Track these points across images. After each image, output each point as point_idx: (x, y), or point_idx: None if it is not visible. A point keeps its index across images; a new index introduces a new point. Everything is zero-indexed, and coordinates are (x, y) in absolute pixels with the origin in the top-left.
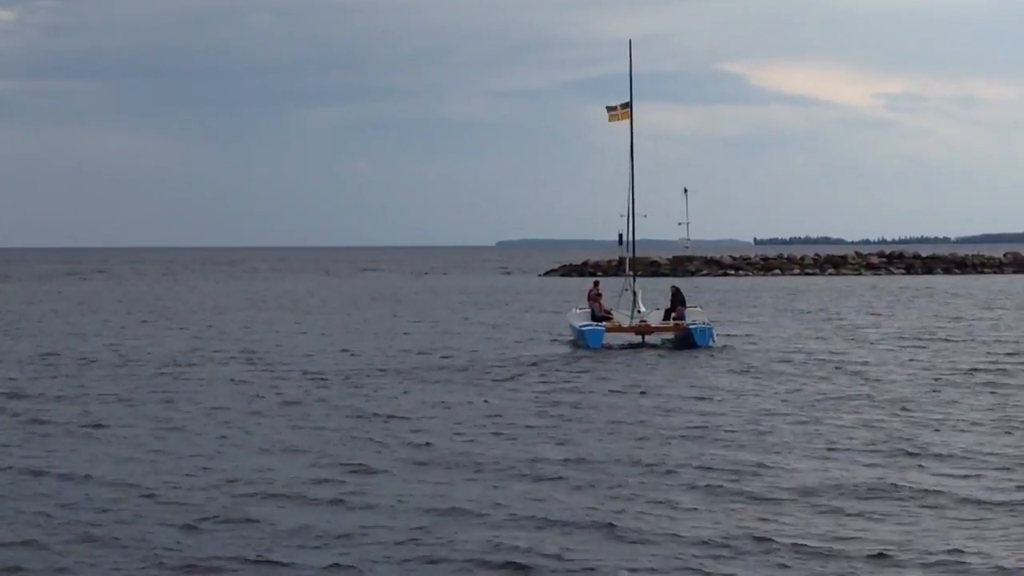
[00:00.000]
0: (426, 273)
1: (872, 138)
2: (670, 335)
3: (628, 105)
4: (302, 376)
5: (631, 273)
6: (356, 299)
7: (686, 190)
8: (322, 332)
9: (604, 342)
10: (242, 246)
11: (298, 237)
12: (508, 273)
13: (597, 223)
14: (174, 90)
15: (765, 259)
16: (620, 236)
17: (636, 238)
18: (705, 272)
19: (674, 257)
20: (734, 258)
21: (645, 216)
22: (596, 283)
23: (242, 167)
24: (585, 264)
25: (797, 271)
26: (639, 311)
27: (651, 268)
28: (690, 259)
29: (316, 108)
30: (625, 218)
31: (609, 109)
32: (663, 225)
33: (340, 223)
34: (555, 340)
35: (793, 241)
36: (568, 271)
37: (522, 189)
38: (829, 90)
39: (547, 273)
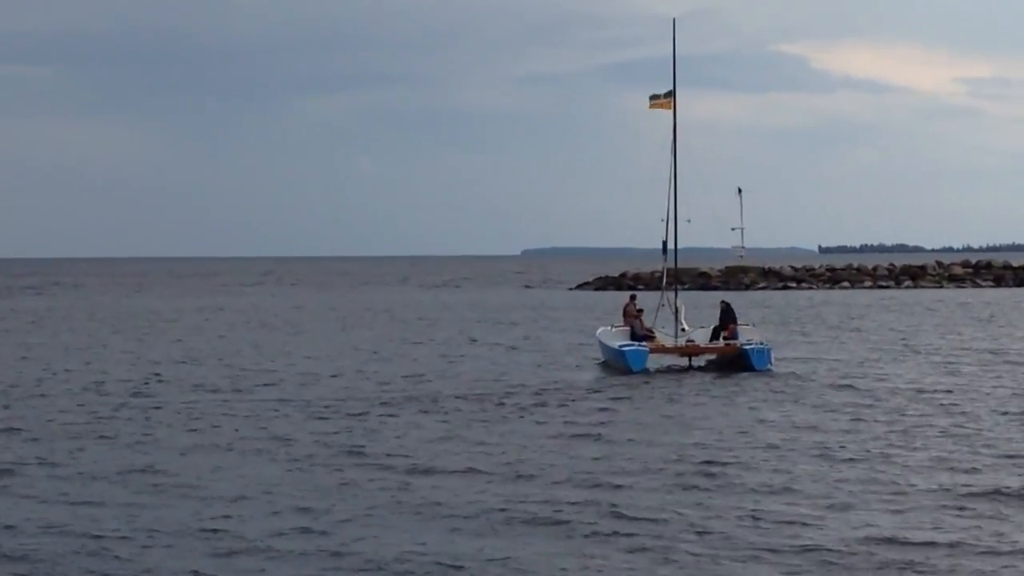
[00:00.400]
0: (435, 287)
1: (954, 129)
2: (720, 357)
3: (671, 93)
4: (281, 406)
5: (671, 286)
6: (352, 317)
7: (740, 190)
8: (308, 355)
9: (647, 365)
10: (224, 256)
11: (289, 246)
12: (530, 287)
13: (637, 229)
14: (142, 76)
15: (831, 270)
16: (664, 244)
17: (681, 246)
18: (762, 285)
19: (726, 268)
20: (795, 269)
21: (689, 221)
22: (633, 297)
23: (223, 165)
24: (623, 276)
25: (869, 283)
26: (683, 329)
27: (700, 280)
28: (745, 270)
29: (310, 97)
30: (666, 223)
31: (652, 98)
32: (713, 231)
33: (338, 230)
34: (582, 364)
35: (864, 249)
36: (603, 284)
37: (549, 190)
38: (904, 74)
39: (579, 286)
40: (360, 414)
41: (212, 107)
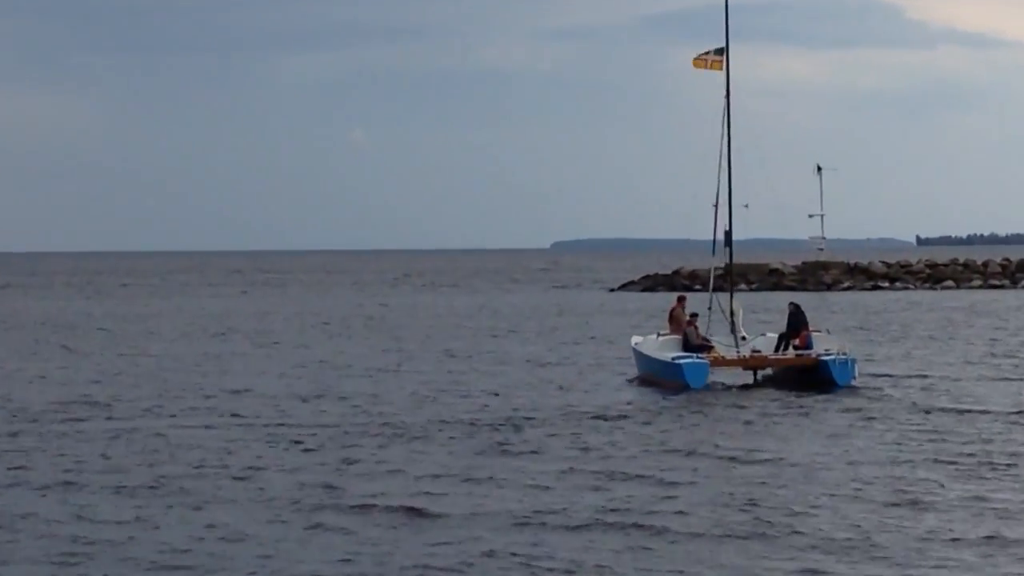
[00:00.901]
0: (443, 287)
1: None
2: (791, 370)
3: (723, 51)
4: (244, 433)
5: (725, 286)
6: (337, 324)
7: (820, 168)
8: (279, 371)
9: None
10: (195, 250)
11: (268, 239)
12: (562, 287)
13: (689, 216)
14: (97, 34)
15: (932, 265)
16: (727, 234)
17: (746, 237)
18: (847, 284)
19: (803, 264)
20: (888, 265)
21: (747, 206)
22: (682, 299)
23: (186, 140)
24: (677, 274)
25: (978, 282)
26: (743, 337)
27: (770, 279)
28: (825, 266)
29: (294, 55)
30: (716, 209)
31: (699, 56)
32: (786, 219)
33: (326, 218)
34: (623, 383)
35: (972, 240)
36: (653, 284)
37: (584, 170)
38: (1020, 26)
39: (623, 287)
40: (342, 446)
41: (170, 69)
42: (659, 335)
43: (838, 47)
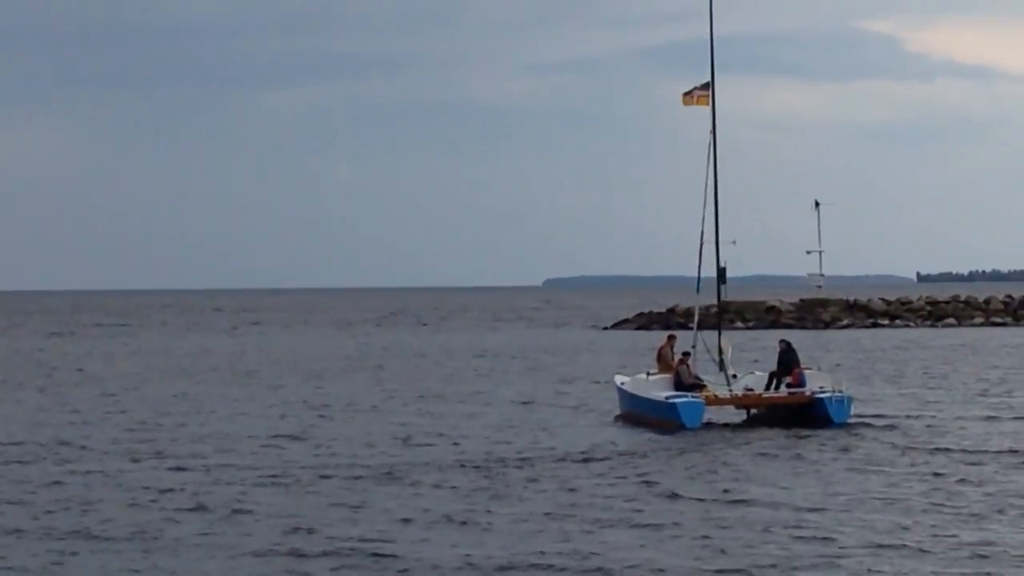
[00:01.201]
0: (429, 326)
1: None
2: (783, 408)
3: (708, 86)
4: (223, 476)
5: (712, 323)
6: (324, 364)
7: (818, 204)
8: (260, 414)
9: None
10: (174, 288)
11: (253, 276)
12: (552, 326)
13: (684, 253)
14: (59, 61)
15: (932, 303)
16: (722, 271)
17: (743, 274)
18: (846, 322)
19: (801, 301)
20: (888, 302)
21: (734, 243)
22: (672, 338)
23: (164, 174)
24: (672, 312)
25: (980, 319)
26: (734, 376)
27: (767, 317)
28: (824, 303)
29: (275, 89)
30: (702, 246)
31: (687, 93)
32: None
33: (310, 256)
34: (612, 423)
35: (974, 276)
36: (647, 322)
37: (578, 205)
38: (1021, 58)
39: (616, 325)
40: (319, 489)
41: (148, 103)
42: (648, 374)
43: (836, 80)
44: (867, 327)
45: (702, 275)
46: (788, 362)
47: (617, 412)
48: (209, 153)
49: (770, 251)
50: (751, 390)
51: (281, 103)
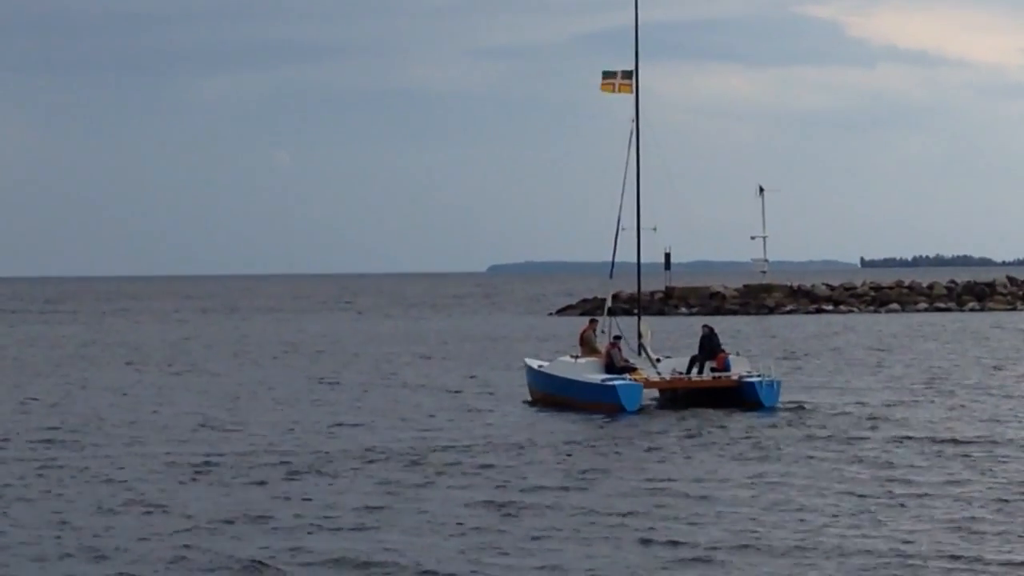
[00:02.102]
0: (366, 313)
1: None
2: (707, 392)
3: (632, 73)
4: (148, 465)
5: (628, 309)
6: (253, 351)
7: (762, 189)
8: (192, 402)
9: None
10: (116, 275)
11: (193, 263)
12: (495, 312)
13: (630, 239)
14: (12, 52)
15: (876, 288)
16: (667, 257)
17: (688, 259)
18: (790, 308)
19: (745, 287)
20: (831, 287)
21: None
22: (593, 322)
23: (112, 161)
24: (616, 297)
25: (924, 305)
26: (657, 360)
27: (712, 303)
28: (768, 289)
29: (213, 75)
30: (626, 232)
31: (606, 75)
32: (728, 240)
33: (250, 242)
34: (528, 405)
35: (917, 262)
36: (591, 308)
37: (521, 191)
38: (961, 44)
39: (561, 311)
40: (245, 479)
41: (87, 89)
42: (574, 357)
43: (778, 64)
44: (811, 313)
45: (648, 261)
46: (711, 347)
47: (527, 396)
48: (149, 140)
49: (714, 237)
50: (680, 373)
51: (221, 90)
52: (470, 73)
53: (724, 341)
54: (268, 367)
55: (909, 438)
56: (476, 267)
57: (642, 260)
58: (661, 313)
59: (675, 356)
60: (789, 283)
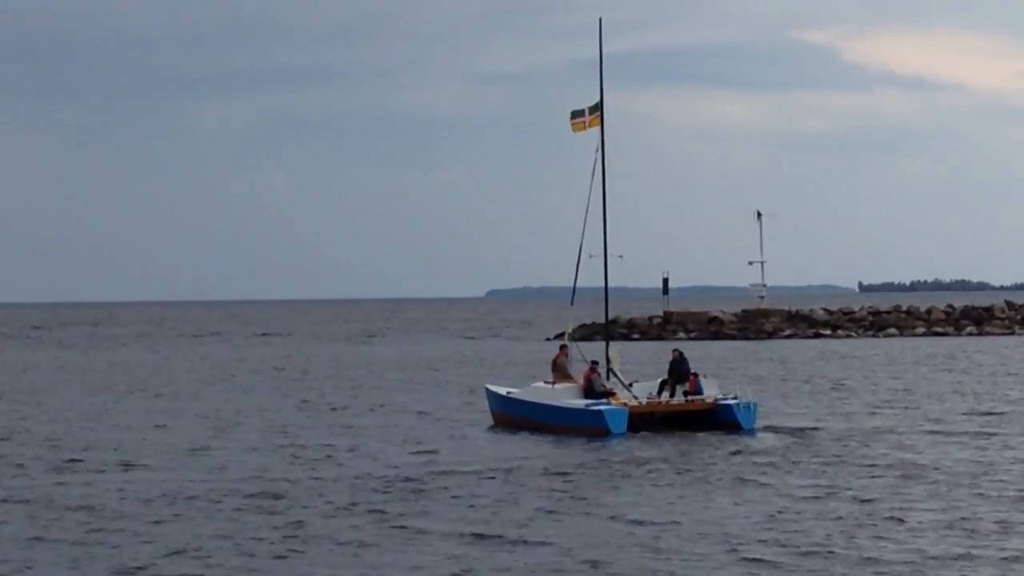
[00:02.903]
0: (356, 338)
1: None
2: (679, 415)
3: (597, 108)
4: (100, 490)
5: (664, 335)
6: (239, 375)
7: (759, 214)
8: (166, 428)
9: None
10: (111, 301)
11: (190, 288)
12: (486, 337)
13: (627, 265)
14: (6, 76)
15: (875, 313)
16: (665, 282)
17: (687, 284)
18: (788, 332)
19: (743, 312)
20: (830, 312)
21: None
22: (564, 348)
23: (109, 187)
24: (614, 323)
25: (921, 330)
26: (629, 384)
27: (710, 328)
28: (766, 314)
29: (212, 100)
30: (579, 261)
31: (574, 115)
32: (725, 265)
33: (247, 265)
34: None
35: (916, 286)
36: (589, 333)
37: (520, 216)
38: (958, 68)
39: (560, 336)
40: (208, 512)
41: (84, 114)
42: (549, 383)
43: (775, 90)
44: (809, 337)
45: (648, 286)
46: (682, 370)
47: (489, 421)
48: (146, 165)
49: (712, 262)
50: (654, 398)
51: (219, 114)
52: (468, 97)
53: (726, 366)
54: (258, 392)
55: (875, 465)
56: (475, 292)
57: (636, 285)
58: (659, 338)
59: (642, 381)
60: (787, 308)
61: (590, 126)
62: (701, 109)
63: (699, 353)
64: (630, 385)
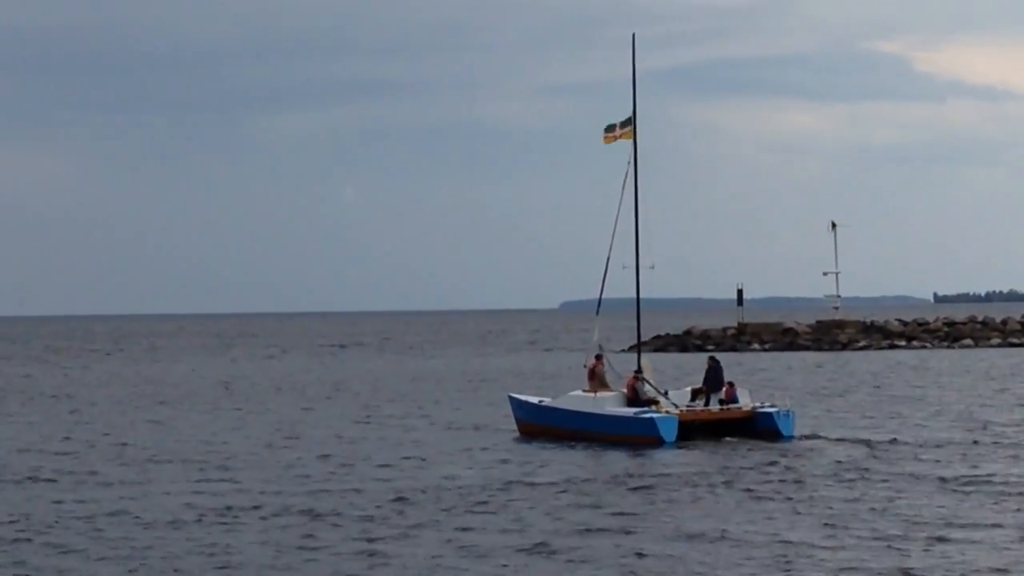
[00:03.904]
0: (413, 351)
1: None
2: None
3: (629, 122)
4: (129, 503)
5: (738, 347)
6: (281, 389)
7: (834, 225)
8: (216, 439)
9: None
10: (181, 313)
11: (254, 300)
12: (554, 350)
13: (708, 275)
14: (81, 91)
15: (949, 324)
16: (740, 293)
17: (761, 295)
18: (863, 343)
19: (818, 323)
20: (904, 323)
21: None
22: (600, 357)
23: (179, 199)
24: (688, 334)
25: (997, 340)
26: (664, 392)
27: (784, 338)
28: (841, 324)
29: (282, 112)
30: (607, 271)
31: (607, 129)
32: (799, 276)
33: (315, 278)
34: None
35: (991, 297)
36: (664, 344)
37: (594, 226)
38: None
39: (632, 348)
40: (225, 525)
41: (157, 128)
42: (593, 393)
43: (847, 100)
44: (884, 348)
45: (722, 297)
46: (716, 378)
47: (515, 429)
48: (217, 178)
49: (785, 273)
50: (692, 407)
51: (288, 128)
52: (540, 108)
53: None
54: (313, 405)
55: (919, 477)
56: (548, 304)
57: (712, 296)
58: (733, 349)
59: (672, 390)
60: (862, 319)
61: (620, 138)
62: (773, 120)
63: (772, 364)
64: (664, 393)
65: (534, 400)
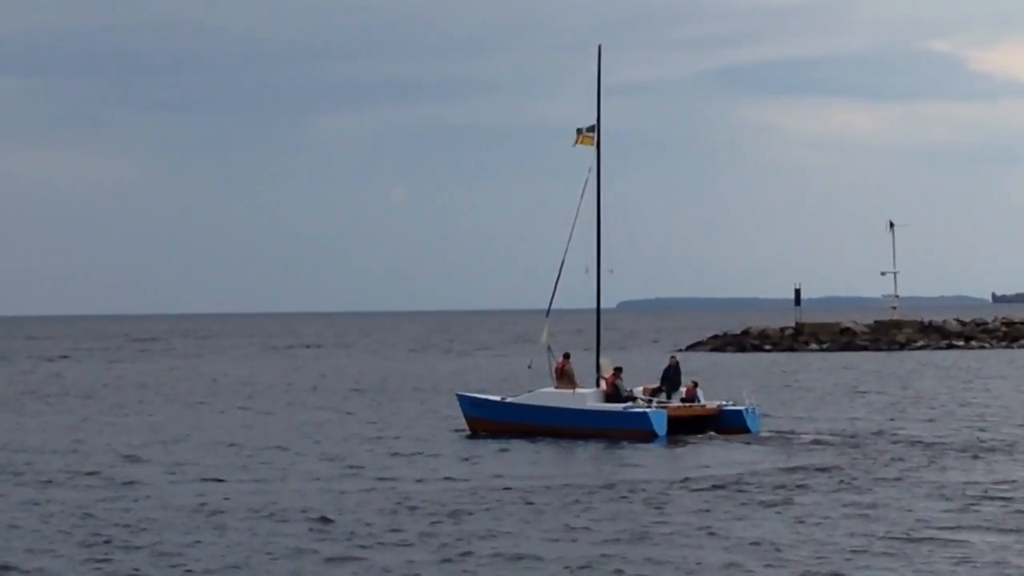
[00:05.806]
0: (456, 351)
1: None
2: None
3: (594, 128)
4: (138, 504)
5: (796, 347)
6: (354, 388)
7: (892, 225)
8: (204, 440)
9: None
10: (230, 312)
11: (303, 300)
12: (622, 348)
13: (763, 275)
14: (130, 91)
15: (1008, 323)
16: (797, 293)
17: (818, 295)
18: (921, 343)
19: (876, 323)
20: (963, 323)
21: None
22: (567, 356)
23: (228, 198)
24: (746, 334)
25: None
26: (629, 390)
27: (842, 338)
28: (898, 324)
29: (331, 113)
30: (560, 274)
31: (578, 132)
32: (856, 276)
33: (366, 277)
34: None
35: None
36: (721, 344)
37: (651, 226)
38: None
39: (691, 347)
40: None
41: (204, 128)
42: (569, 390)
43: (900, 100)
44: (942, 348)
45: (778, 297)
46: (675, 377)
47: (463, 426)
48: (268, 177)
49: (842, 273)
50: (664, 404)
51: (338, 128)
52: (588, 110)
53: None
54: (342, 405)
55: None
56: (606, 303)
57: (768, 296)
58: (791, 349)
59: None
60: (920, 319)
61: (582, 143)
62: (828, 120)
63: (827, 364)
64: (629, 391)
65: (494, 398)
